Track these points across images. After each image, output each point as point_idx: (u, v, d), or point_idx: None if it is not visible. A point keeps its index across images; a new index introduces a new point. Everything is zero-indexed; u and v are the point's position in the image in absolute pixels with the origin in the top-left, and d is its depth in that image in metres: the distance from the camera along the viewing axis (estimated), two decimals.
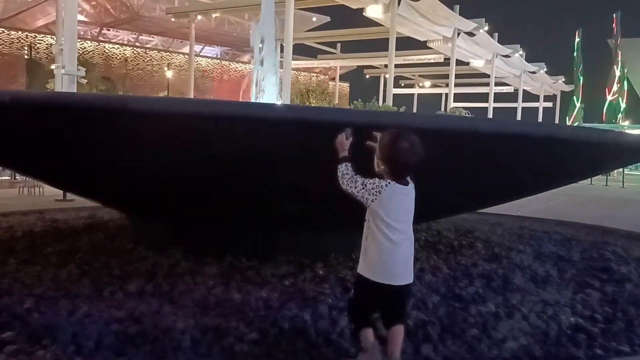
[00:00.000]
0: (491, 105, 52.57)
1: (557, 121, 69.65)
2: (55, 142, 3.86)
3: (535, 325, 3.44)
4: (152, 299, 3.75)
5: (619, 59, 32.98)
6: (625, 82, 34.91)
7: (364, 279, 2.78)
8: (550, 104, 68.79)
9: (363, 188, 2.73)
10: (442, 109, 54.34)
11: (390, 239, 2.69)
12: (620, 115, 34.50)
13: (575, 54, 33.76)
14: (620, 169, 32.87)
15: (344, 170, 2.82)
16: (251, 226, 4.84)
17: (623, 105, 34.72)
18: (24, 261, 4.81)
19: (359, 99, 31.87)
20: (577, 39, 33.43)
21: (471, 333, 3.27)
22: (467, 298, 3.97)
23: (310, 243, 4.98)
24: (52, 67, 18.96)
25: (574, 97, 34.02)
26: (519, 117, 60.26)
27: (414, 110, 64.74)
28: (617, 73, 32.95)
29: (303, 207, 4.37)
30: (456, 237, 6.54)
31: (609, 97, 33.12)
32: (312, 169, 3.42)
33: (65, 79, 16.86)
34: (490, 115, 50.47)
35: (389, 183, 2.70)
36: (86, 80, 17.93)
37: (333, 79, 57.24)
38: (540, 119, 67.75)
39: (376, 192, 2.70)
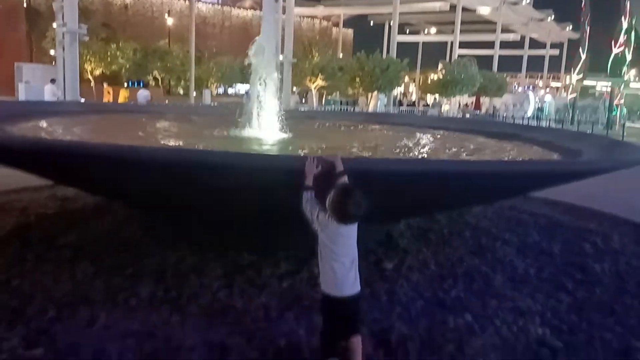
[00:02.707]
0: (497, 52, 51.99)
1: (562, 70, 69.04)
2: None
3: (505, 338, 3.84)
4: (163, 307, 4.14)
5: (627, 9, 32.34)
6: (633, 34, 34.41)
7: (325, 296, 3.24)
8: (557, 52, 67.87)
9: (316, 219, 3.20)
10: (447, 58, 53.76)
11: (337, 260, 3.17)
12: (625, 68, 34.16)
13: (583, 3, 33.05)
14: (623, 121, 32.91)
15: (308, 197, 3.29)
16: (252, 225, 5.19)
17: (629, 57, 34.28)
18: (40, 257, 5.19)
19: (363, 51, 31.72)
20: None
21: (447, 349, 3.67)
22: (448, 304, 4.37)
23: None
24: (54, 25, 18.91)
25: (580, 49, 33.55)
26: (524, 65, 59.80)
27: (419, 59, 64.01)
28: (625, 24, 32.37)
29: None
30: (447, 223, 6.92)
31: (615, 49, 32.67)
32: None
33: (67, 37, 16.92)
34: (495, 63, 50.01)
35: (333, 221, 3.14)
36: (88, 38, 17.91)
37: (337, 25, 56.26)
38: (546, 68, 67.19)
39: (323, 226, 3.18)
